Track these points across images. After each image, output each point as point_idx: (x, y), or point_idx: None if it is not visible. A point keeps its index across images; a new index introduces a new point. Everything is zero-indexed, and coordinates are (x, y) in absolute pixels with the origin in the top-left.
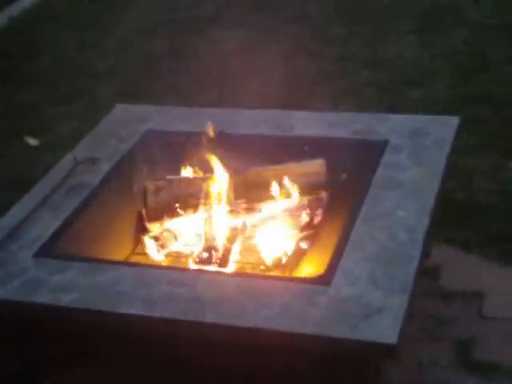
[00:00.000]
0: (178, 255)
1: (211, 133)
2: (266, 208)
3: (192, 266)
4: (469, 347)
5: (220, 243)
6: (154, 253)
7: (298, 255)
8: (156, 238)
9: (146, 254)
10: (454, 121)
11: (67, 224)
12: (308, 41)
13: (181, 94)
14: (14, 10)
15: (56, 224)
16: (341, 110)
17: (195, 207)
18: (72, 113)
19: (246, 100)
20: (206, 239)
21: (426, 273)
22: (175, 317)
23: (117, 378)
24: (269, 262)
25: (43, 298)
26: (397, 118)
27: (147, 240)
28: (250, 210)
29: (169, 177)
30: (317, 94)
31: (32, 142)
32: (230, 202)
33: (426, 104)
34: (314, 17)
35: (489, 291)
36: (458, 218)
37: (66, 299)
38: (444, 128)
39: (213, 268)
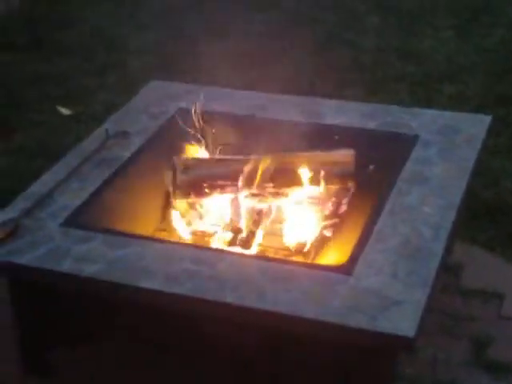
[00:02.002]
0: (202, 234)
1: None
2: (293, 194)
3: (215, 245)
4: (485, 346)
5: (245, 225)
6: (178, 230)
7: (321, 243)
8: (182, 216)
9: (170, 231)
10: (486, 119)
11: (95, 196)
12: (343, 29)
13: (213, 73)
14: None
15: (84, 195)
16: (372, 101)
17: (223, 188)
18: (104, 85)
19: (278, 84)
20: (231, 220)
21: (448, 270)
22: (195, 295)
23: (131, 353)
24: (292, 247)
25: (66, 267)
26: (429, 113)
27: (173, 217)
28: (276, 194)
29: (198, 156)
30: (349, 83)
31: (64, 111)
32: (257, 186)
33: (458, 100)
34: (350, 5)
35: (509, 292)
36: (482, 217)
37: (89, 270)
38: (476, 126)
39: (236, 249)
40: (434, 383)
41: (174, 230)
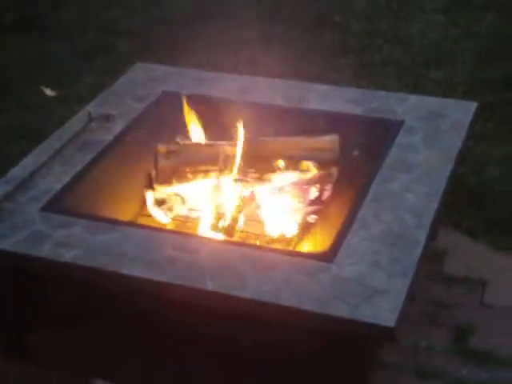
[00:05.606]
0: (184, 220)
1: None
2: (276, 179)
3: (197, 232)
4: (467, 334)
5: (227, 211)
6: (160, 216)
7: (304, 229)
8: (163, 201)
9: (152, 216)
10: (472, 106)
11: (76, 179)
12: (332, 12)
13: (201, 57)
14: None
15: (66, 179)
16: (359, 86)
17: (205, 173)
18: (91, 68)
19: (264, 68)
20: (214, 206)
21: (431, 257)
22: (176, 282)
23: (110, 339)
24: (274, 234)
25: (45, 252)
26: (415, 99)
27: (154, 202)
28: (259, 180)
29: (181, 141)
30: (336, 67)
31: (49, 92)
32: (239, 171)
33: (445, 86)
34: None
35: (491, 279)
36: (467, 203)
37: (68, 255)
38: (461, 112)
39: (218, 236)
40: (416, 371)
41: (156, 215)
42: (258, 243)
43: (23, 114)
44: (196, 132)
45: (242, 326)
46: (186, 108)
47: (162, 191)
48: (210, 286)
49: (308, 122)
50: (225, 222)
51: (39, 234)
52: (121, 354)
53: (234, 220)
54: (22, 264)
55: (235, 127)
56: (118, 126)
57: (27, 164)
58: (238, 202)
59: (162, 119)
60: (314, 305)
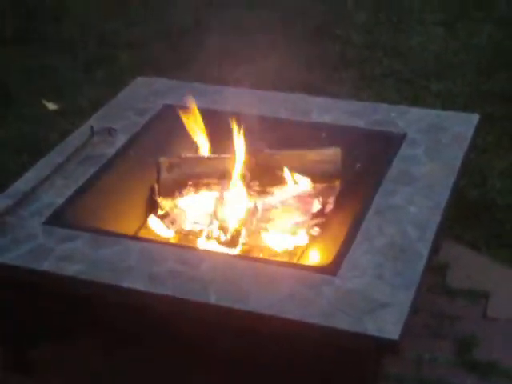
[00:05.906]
0: (187, 233)
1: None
2: (279, 192)
3: (200, 245)
4: (470, 346)
5: (230, 224)
6: (163, 229)
7: (307, 242)
8: (166, 215)
9: (155, 230)
10: (474, 118)
11: (79, 193)
12: (333, 25)
13: (202, 69)
14: None
15: (68, 193)
16: (360, 98)
17: (208, 186)
18: (92, 80)
19: (266, 81)
20: (217, 219)
21: (433, 269)
22: (179, 296)
23: (113, 353)
24: (277, 247)
25: (48, 266)
26: (416, 112)
27: (157, 216)
28: (262, 192)
29: (183, 154)
30: (337, 79)
31: (51, 106)
32: (242, 184)
33: (446, 98)
34: (340, 1)
35: (494, 292)
36: (469, 216)
37: (71, 269)
38: (463, 125)
39: (221, 249)
40: (420, 383)
41: (158, 229)
42: (261, 256)
43: (25, 127)
44: (199, 145)
45: (245, 339)
46: (188, 121)
47: (164, 204)
48: (213, 299)
49: (311, 135)
50: (228, 235)
51: (41, 248)
52: (122, 367)
53: (237, 233)
54: (24, 278)
55: (237, 140)
56: (120, 140)
57: (29, 178)
58: (241, 215)
59: (163, 133)
60: (318, 318)
